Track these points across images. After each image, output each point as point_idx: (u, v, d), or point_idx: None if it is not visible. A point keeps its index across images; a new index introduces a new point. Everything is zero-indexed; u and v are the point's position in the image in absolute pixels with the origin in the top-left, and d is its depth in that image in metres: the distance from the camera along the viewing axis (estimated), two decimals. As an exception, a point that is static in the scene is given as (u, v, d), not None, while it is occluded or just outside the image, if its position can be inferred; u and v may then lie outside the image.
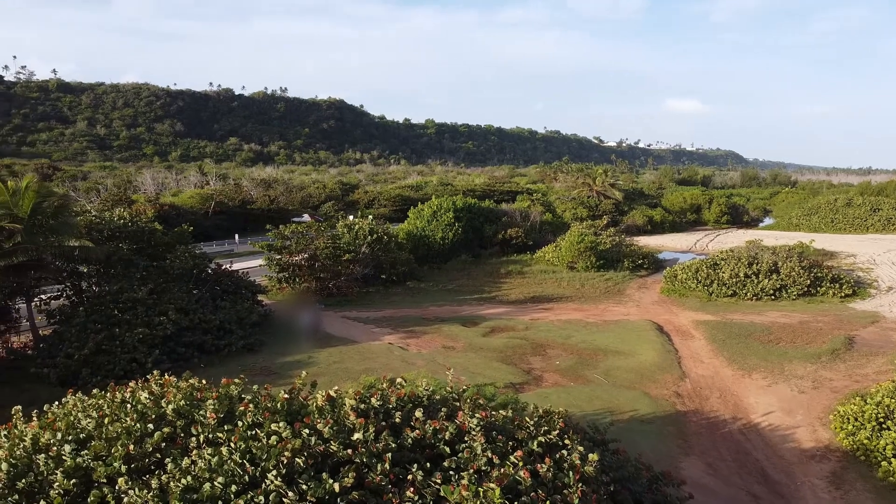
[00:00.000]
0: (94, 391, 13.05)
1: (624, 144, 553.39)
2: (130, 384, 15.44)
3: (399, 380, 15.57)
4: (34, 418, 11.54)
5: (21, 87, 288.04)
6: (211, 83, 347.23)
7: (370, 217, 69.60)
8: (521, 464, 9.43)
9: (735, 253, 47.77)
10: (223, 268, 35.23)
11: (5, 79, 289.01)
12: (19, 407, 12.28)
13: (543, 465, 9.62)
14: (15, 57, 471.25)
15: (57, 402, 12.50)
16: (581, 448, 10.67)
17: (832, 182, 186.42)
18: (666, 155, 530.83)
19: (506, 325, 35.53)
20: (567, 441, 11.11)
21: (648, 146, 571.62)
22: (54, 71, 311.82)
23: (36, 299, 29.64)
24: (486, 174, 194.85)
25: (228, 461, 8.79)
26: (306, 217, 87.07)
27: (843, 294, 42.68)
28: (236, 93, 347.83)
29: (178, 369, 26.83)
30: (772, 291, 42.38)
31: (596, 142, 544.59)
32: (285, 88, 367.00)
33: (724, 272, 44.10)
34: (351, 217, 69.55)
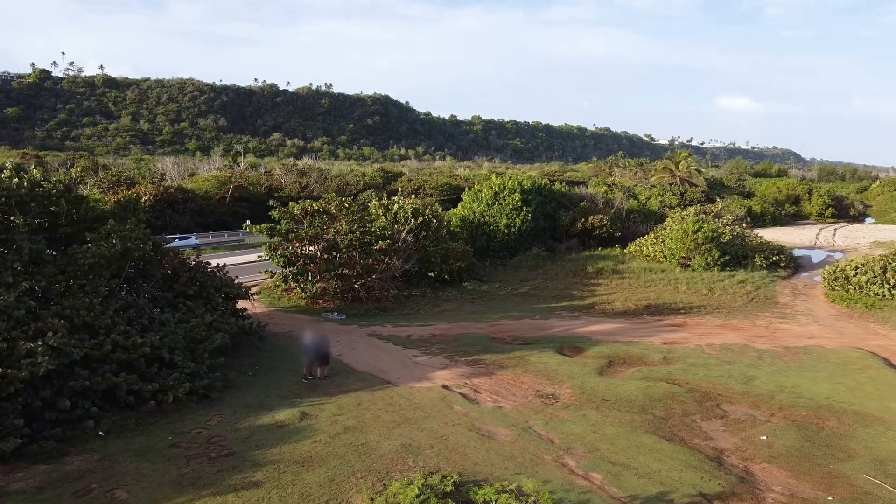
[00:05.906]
0: None
1: (676, 142, 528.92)
2: None
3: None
4: None
5: (68, 82, 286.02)
6: (256, 79, 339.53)
7: (414, 197, 56.99)
8: None
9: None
10: (187, 259, 22.88)
11: (53, 74, 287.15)
12: None
13: None
14: (63, 53, 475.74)
15: None
16: None
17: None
18: (720, 153, 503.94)
19: (628, 352, 22.25)
20: None
21: (702, 144, 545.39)
22: (101, 67, 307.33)
23: None
24: (536, 170, 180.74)
25: None
26: (341, 206, 74.98)
27: None
28: (280, 88, 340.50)
29: (49, 446, 13.41)
30: None
31: (647, 139, 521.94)
32: (330, 84, 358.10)
33: (932, 273, 29.90)
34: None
